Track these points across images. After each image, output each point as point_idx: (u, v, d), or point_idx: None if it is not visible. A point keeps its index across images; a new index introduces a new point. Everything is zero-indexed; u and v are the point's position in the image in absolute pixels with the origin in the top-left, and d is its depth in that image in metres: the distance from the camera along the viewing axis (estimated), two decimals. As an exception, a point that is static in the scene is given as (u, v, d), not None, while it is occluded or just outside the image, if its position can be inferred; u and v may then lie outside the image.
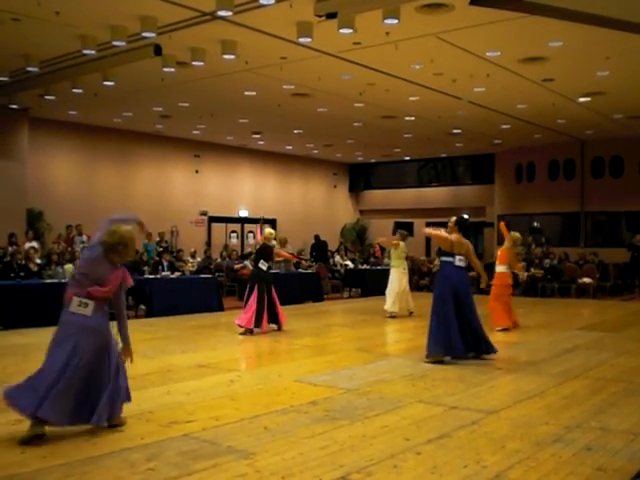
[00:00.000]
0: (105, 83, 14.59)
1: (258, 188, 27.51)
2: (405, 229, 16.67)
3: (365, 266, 22.70)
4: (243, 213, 26.69)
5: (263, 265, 11.69)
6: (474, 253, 9.33)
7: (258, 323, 11.36)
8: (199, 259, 20.45)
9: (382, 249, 22.49)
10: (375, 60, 13.78)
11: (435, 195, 29.84)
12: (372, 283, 19.56)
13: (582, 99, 17.20)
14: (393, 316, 14.10)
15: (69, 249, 17.47)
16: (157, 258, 17.40)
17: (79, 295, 5.29)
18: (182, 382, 7.52)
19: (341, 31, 10.90)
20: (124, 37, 11.73)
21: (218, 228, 25.84)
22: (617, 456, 4.93)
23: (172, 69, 13.64)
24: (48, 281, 13.16)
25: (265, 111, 18.88)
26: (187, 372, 8.13)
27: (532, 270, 20.58)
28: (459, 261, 8.94)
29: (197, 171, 25.09)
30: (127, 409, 6.20)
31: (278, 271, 18.41)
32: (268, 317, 11.55)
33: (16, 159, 18.91)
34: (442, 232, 9.11)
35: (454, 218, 9.25)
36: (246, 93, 16.71)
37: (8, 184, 18.31)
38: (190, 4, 10.62)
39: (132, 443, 5.17)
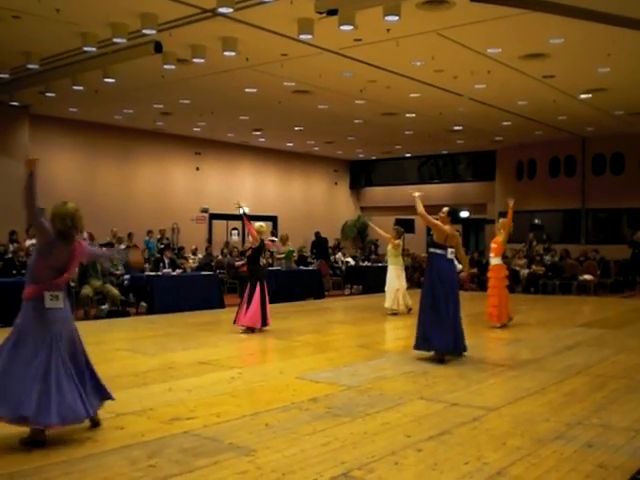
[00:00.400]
0: (106, 80, 14.59)
1: (259, 185, 27.49)
2: (406, 226, 16.67)
3: (366, 263, 22.71)
4: (246, 210, 26.63)
5: (262, 261, 11.68)
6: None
7: (265, 321, 11.32)
8: (200, 256, 20.46)
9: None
10: (376, 57, 13.77)
11: (436, 192, 29.72)
12: (373, 280, 19.55)
13: (583, 96, 17.18)
14: (394, 313, 14.09)
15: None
16: (158, 255, 17.40)
17: (49, 289, 5.16)
18: (183, 379, 7.52)
19: (342, 28, 10.88)
20: (124, 34, 11.72)
21: (219, 225, 25.84)
22: (618, 453, 4.93)
23: (173, 66, 13.63)
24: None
25: (266, 108, 18.87)
26: (188, 369, 8.14)
27: (533, 267, 20.59)
28: (450, 254, 8.85)
29: (198, 168, 25.07)
30: (129, 405, 6.21)
31: (279, 268, 18.44)
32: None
33: (17, 156, 18.87)
34: (438, 222, 8.93)
35: (446, 209, 8.96)
36: (247, 90, 16.69)
37: (9, 181, 18.28)
38: (190, 1, 10.60)
39: (133, 440, 5.17)
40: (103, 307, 14.16)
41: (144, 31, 11.48)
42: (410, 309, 14.24)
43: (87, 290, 13.95)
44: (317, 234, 24.25)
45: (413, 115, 19.92)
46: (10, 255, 14.82)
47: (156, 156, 23.74)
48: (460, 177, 29.83)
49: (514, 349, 9.90)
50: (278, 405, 6.27)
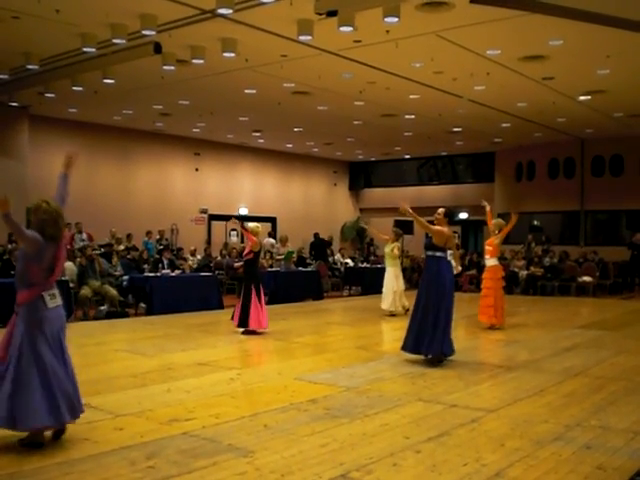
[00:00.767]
0: (105, 81, 14.59)
1: (258, 186, 27.50)
2: (404, 228, 16.66)
3: (365, 264, 22.71)
4: (243, 211, 26.67)
5: (262, 262, 11.69)
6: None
7: (247, 323, 11.27)
8: (199, 257, 20.45)
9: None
10: (375, 58, 13.77)
11: (435, 193, 29.79)
12: (372, 281, 19.52)
13: (582, 97, 17.19)
14: (392, 314, 14.09)
15: (69, 247, 17.46)
16: (157, 256, 17.39)
17: (46, 289, 5.13)
18: (182, 380, 7.52)
19: (341, 29, 10.89)
20: (124, 35, 11.72)
21: (218, 226, 25.84)
22: (617, 454, 4.93)
23: (172, 67, 13.64)
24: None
25: (265, 109, 18.87)
26: (187, 370, 8.14)
27: (532, 268, 20.60)
28: (449, 256, 8.85)
29: (197, 169, 25.07)
30: (128, 406, 6.21)
31: (278, 269, 18.44)
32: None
33: (16, 157, 18.91)
34: (438, 227, 8.86)
35: (442, 210, 8.87)
36: (246, 91, 16.70)
37: (8, 182, 18.25)
38: (190, 2, 10.60)
39: (132, 441, 5.17)
40: (102, 308, 14.15)
41: (143, 32, 11.49)
42: (407, 310, 14.21)
43: (86, 291, 13.94)
44: (316, 235, 24.25)
45: (412, 116, 19.93)
46: (7, 256, 14.78)
47: (155, 157, 23.74)
48: (459, 178, 29.84)
49: (513, 350, 9.90)
50: (277, 406, 6.27)
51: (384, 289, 14.41)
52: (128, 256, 16.97)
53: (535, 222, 25.89)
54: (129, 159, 22.96)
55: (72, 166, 5.59)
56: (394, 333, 12.30)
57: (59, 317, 5.21)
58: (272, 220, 27.84)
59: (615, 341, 10.85)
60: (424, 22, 11.35)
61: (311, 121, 20.84)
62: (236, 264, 18.50)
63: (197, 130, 22.94)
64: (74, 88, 15.18)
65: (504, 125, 21.10)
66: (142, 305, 14.90)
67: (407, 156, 29.55)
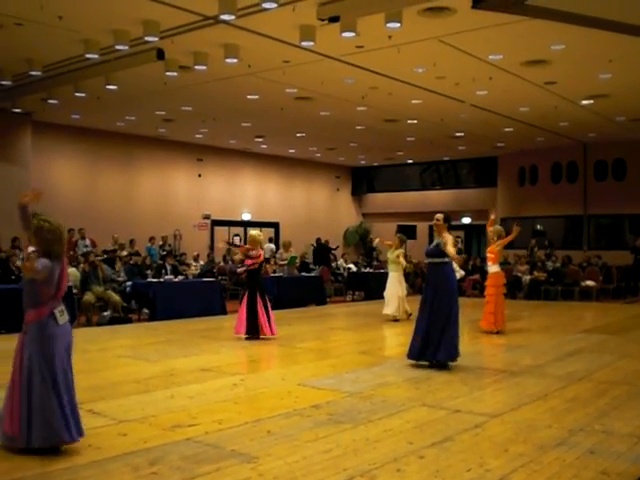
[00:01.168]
0: (108, 87, 14.63)
1: (261, 192, 27.53)
2: (407, 232, 16.68)
3: (368, 269, 22.69)
4: (246, 217, 26.70)
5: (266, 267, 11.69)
6: None
7: (256, 330, 11.28)
8: (202, 263, 20.45)
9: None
10: (377, 64, 13.79)
11: (438, 198, 29.81)
12: (375, 286, 19.52)
13: (585, 102, 17.20)
14: (396, 319, 14.07)
15: (72, 253, 17.48)
16: (160, 262, 17.40)
17: (54, 306, 5.09)
18: (185, 386, 7.51)
19: (344, 35, 10.91)
20: (127, 41, 11.75)
21: (221, 232, 25.86)
22: (620, 459, 4.92)
23: (175, 73, 13.66)
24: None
25: (268, 115, 18.90)
26: (190, 376, 8.13)
27: (535, 273, 20.58)
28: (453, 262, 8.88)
29: (200, 175, 25.11)
30: (131, 412, 6.22)
31: (281, 274, 18.44)
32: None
33: (19, 163, 18.94)
34: (448, 238, 8.71)
35: (440, 215, 8.82)
36: (249, 97, 16.72)
37: (11, 188, 18.28)
38: (193, 8, 10.64)
39: (135, 447, 5.16)
40: (105, 314, 14.16)
41: (146, 38, 11.51)
42: (410, 314, 14.18)
43: (89, 297, 13.96)
44: (318, 240, 24.26)
45: (415, 121, 19.95)
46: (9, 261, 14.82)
47: (158, 163, 23.78)
48: (462, 183, 29.83)
49: (516, 355, 9.88)
50: (280, 412, 6.27)
51: (386, 294, 14.38)
52: (130, 261, 16.98)
53: (538, 227, 25.87)
54: (132, 165, 23.00)
55: (35, 201, 5.37)
56: (397, 338, 12.30)
57: (68, 333, 5.19)
58: (275, 225, 27.87)
59: (618, 345, 10.83)
60: (426, 27, 11.37)
61: (314, 126, 20.87)
62: (239, 269, 18.53)
63: (200, 136, 22.97)
64: (77, 94, 15.23)
65: (507, 130, 21.11)
66: (145, 311, 14.90)
67: (410, 161, 29.56)
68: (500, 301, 11.91)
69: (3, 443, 5.02)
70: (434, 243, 8.74)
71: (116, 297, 14.35)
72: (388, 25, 10.52)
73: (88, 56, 12.60)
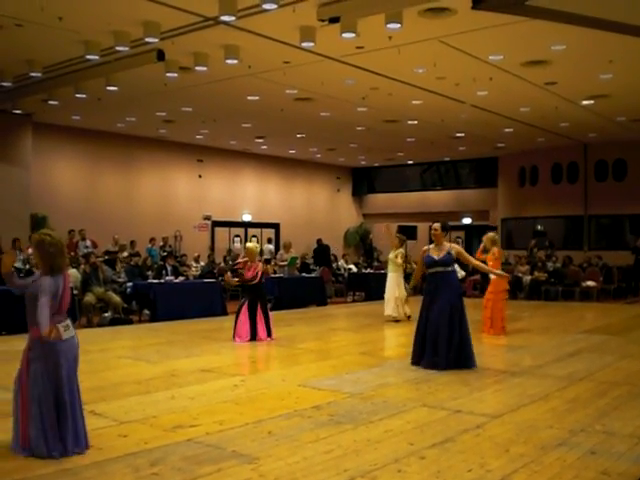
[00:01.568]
0: (108, 88, 14.64)
1: (261, 192, 27.54)
2: (408, 233, 16.67)
3: (369, 270, 22.70)
4: (246, 217, 26.71)
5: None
6: None
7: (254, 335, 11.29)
8: (203, 264, 20.46)
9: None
10: (378, 64, 13.80)
11: (438, 199, 29.84)
12: (375, 287, 19.51)
13: (585, 102, 17.20)
14: (396, 320, 14.06)
15: (72, 254, 17.49)
16: (161, 263, 17.40)
17: (58, 321, 5.03)
18: (186, 387, 7.52)
19: (344, 35, 10.91)
20: (127, 42, 11.76)
21: (221, 232, 25.87)
22: (621, 460, 4.91)
23: (175, 74, 13.67)
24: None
25: (268, 115, 18.90)
26: (191, 377, 8.13)
27: (536, 273, 20.57)
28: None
29: (200, 176, 25.11)
30: (132, 413, 6.22)
31: (282, 275, 18.44)
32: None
33: (20, 164, 18.95)
34: (463, 252, 8.90)
35: (438, 225, 8.80)
36: (249, 98, 16.73)
37: (12, 189, 18.35)
38: (193, 9, 10.64)
39: (136, 448, 5.17)
40: (106, 315, 14.16)
41: (147, 39, 11.52)
42: (410, 317, 14.14)
43: (90, 298, 13.96)
44: (319, 241, 24.26)
45: (415, 122, 19.95)
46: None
47: (159, 164, 23.79)
48: (462, 184, 29.86)
49: (517, 356, 9.89)
50: (281, 413, 6.27)
51: (386, 295, 14.39)
52: (130, 262, 16.99)
53: (539, 227, 25.86)
54: (132, 166, 23.01)
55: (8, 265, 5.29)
56: (398, 339, 12.30)
57: (74, 346, 5.16)
58: (275, 226, 27.87)
59: (619, 346, 10.83)
60: (426, 28, 11.37)
61: (314, 127, 20.87)
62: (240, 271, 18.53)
63: (200, 137, 22.98)
64: (77, 95, 15.24)
65: (507, 130, 21.11)
66: (146, 312, 14.91)
67: (410, 162, 29.57)
68: (498, 307, 11.83)
69: (16, 452, 5.01)
70: (445, 252, 8.67)
71: (117, 298, 14.35)
72: (388, 26, 10.52)
73: (88, 57, 12.60)
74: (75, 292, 13.55)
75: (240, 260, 11.93)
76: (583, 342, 11.11)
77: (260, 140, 23.63)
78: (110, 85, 14.41)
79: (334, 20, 10.32)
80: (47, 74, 14.14)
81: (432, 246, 8.82)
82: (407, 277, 15.72)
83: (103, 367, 8.83)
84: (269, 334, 11.29)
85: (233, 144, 24.63)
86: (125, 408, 6.45)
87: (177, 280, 15.65)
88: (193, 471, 4.64)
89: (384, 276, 14.78)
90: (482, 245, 12.25)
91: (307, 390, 7.34)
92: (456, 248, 8.86)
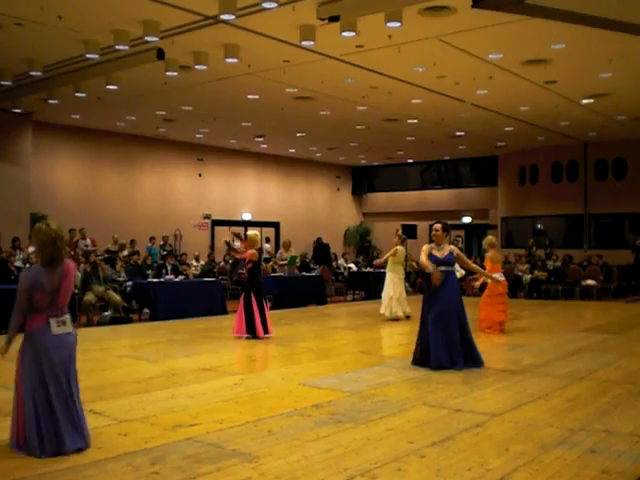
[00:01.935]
0: (108, 87, 14.63)
1: (261, 191, 27.54)
2: (408, 232, 16.66)
3: (368, 269, 22.68)
4: (246, 216, 26.71)
5: (263, 265, 11.63)
6: None
7: (254, 331, 11.25)
8: (203, 262, 20.46)
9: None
10: (378, 63, 13.79)
11: (438, 198, 29.84)
12: (375, 286, 19.50)
13: (585, 101, 17.19)
14: (396, 319, 14.06)
15: (72, 253, 17.49)
16: (161, 262, 17.40)
17: (53, 315, 5.01)
18: (186, 386, 7.52)
19: (344, 34, 10.91)
20: (127, 41, 11.75)
21: (221, 231, 25.86)
22: (621, 458, 4.91)
23: (175, 73, 13.66)
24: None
25: (268, 114, 18.90)
26: (191, 376, 8.13)
27: (536, 272, 20.58)
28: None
29: (200, 174, 25.12)
30: (132, 412, 6.21)
31: (282, 274, 18.44)
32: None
33: (19, 163, 18.95)
34: (462, 255, 8.92)
35: (439, 225, 8.80)
36: (249, 96, 16.73)
37: (12, 188, 18.35)
38: (193, 8, 10.64)
39: (136, 447, 5.16)
40: (106, 313, 14.16)
41: (146, 38, 11.51)
42: (409, 316, 14.11)
43: (90, 297, 13.96)
44: (319, 240, 24.25)
45: (415, 121, 19.95)
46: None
47: (158, 163, 23.79)
48: (462, 183, 29.87)
49: (517, 354, 9.88)
50: (281, 411, 6.27)
51: (382, 294, 14.40)
52: (130, 261, 16.98)
53: (538, 226, 25.88)
54: (132, 165, 23.01)
55: None
56: (398, 338, 12.30)
57: (66, 345, 5.07)
58: (275, 225, 27.87)
59: (619, 344, 10.83)
60: (426, 27, 11.36)
61: (314, 126, 20.87)
62: (240, 270, 18.55)
63: (200, 136, 22.98)
64: (77, 94, 15.23)
65: (507, 129, 21.11)
66: (146, 311, 14.91)
67: (410, 160, 29.56)
68: (492, 311, 11.84)
69: (13, 450, 5.02)
70: (448, 252, 8.68)
71: (117, 297, 14.36)
72: (388, 24, 10.51)
73: (88, 56, 12.60)
74: (75, 291, 13.55)
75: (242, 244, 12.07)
76: (583, 341, 11.11)
77: (260, 139, 23.62)
78: (110, 84, 14.40)
79: (334, 19, 10.31)
80: (47, 73, 14.14)
81: (433, 245, 8.82)
82: (407, 276, 15.75)
83: (103, 366, 8.83)
84: (266, 331, 11.25)
85: (233, 143, 24.63)
86: (125, 407, 6.45)
87: (177, 279, 15.65)
88: (193, 470, 4.64)
89: (384, 275, 14.77)
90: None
91: (307, 389, 7.34)
92: (456, 250, 8.88)
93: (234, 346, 10.80)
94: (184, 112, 18.70)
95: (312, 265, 21.69)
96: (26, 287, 4.96)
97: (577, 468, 4.71)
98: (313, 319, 15.00)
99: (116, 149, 22.36)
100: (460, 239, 27.94)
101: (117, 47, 11.99)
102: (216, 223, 25.60)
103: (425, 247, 8.87)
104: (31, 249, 16.25)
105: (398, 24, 10.47)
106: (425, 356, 8.56)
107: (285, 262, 19.11)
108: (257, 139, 23.62)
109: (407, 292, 15.02)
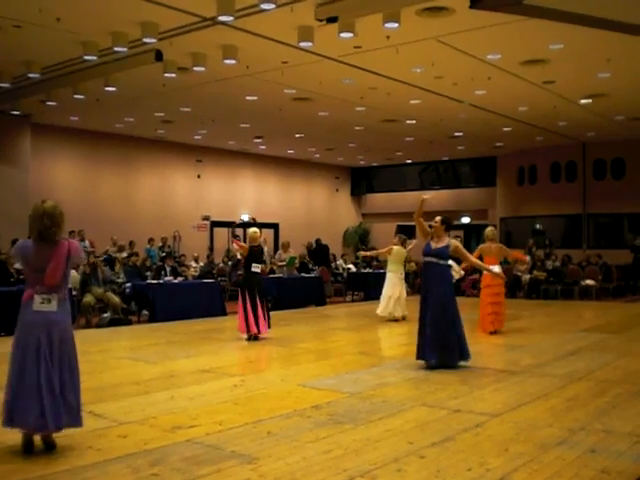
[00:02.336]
0: (106, 89, 14.64)
1: (260, 192, 27.53)
2: (406, 233, 16.66)
3: (368, 270, 22.67)
4: (245, 217, 26.67)
5: (256, 268, 11.52)
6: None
7: (249, 328, 11.19)
8: (202, 264, 20.45)
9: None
10: (376, 64, 13.80)
11: (437, 198, 29.73)
12: (375, 287, 19.48)
13: (583, 101, 17.20)
14: (395, 320, 14.05)
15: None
16: (160, 263, 17.40)
17: (39, 292, 5.06)
18: (185, 387, 7.51)
19: (342, 35, 10.92)
20: (125, 43, 11.76)
21: (220, 233, 25.84)
22: (621, 458, 4.92)
23: (173, 74, 13.67)
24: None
25: (266, 116, 18.90)
26: (190, 377, 8.13)
27: (535, 272, 20.57)
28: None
29: (199, 176, 25.12)
30: (131, 414, 6.21)
31: (281, 275, 18.43)
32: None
33: (18, 165, 18.95)
34: (460, 248, 8.88)
35: (439, 218, 8.82)
36: (247, 98, 16.73)
37: (11, 190, 18.34)
38: (191, 9, 10.64)
39: (136, 448, 5.16)
40: (105, 315, 14.15)
41: (145, 40, 11.52)
42: (404, 317, 14.09)
43: (89, 298, 13.96)
44: (318, 241, 24.23)
45: (414, 122, 19.95)
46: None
47: (157, 164, 23.79)
48: (461, 183, 29.87)
49: (516, 355, 9.88)
50: (280, 413, 6.26)
51: (382, 294, 14.38)
52: (129, 263, 16.97)
53: (537, 226, 25.88)
54: (131, 167, 23.01)
55: None
56: (397, 338, 12.30)
57: (49, 323, 5.06)
58: (274, 226, 27.85)
59: (619, 344, 10.83)
60: (424, 27, 11.37)
61: (312, 127, 20.87)
62: (239, 271, 18.53)
63: (199, 137, 22.98)
64: (76, 96, 15.24)
65: (505, 129, 21.12)
66: (145, 312, 14.90)
67: (409, 161, 29.57)
68: (484, 303, 11.94)
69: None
70: (443, 244, 8.68)
71: (116, 299, 14.35)
72: (386, 25, 10.52)
73: (86, 58, 12.60)
74: (74, 293, 13.54)
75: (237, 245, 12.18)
76: (582, 341, 11.12)
77: (259, 140, 23.62)
78: (108, 86, 14.41)
79: (332, 20, 10.32)
80: (45, 75, 14.14)
81: (434, 237, 8.84)
82: (406, 277, 15.74)
83: (102, 368, 8.83)
84: (258, 329, 11.16)
85: (232, 144, 24.64)
86: (124, 409, 6.45)
87: (176, 280, 15.65)
88: (192, 471, 4.64)
89: (383, 276, 14.76)
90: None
91: (306, 390, 7.34)
92: (454, 243, 8.83)
93: (233, 347, 10.80)
94: (183, 113, 18.70)
95: (311, 266, 21.69)
96: (14, 255, 5.26)
97: (576, 468, 4.71)
98: (312, 320, 15.00)
99: (115, 150, 22.36)
100: (459, 239, 27.91)
101: (115, 49, 11.99)
102: (215, 224, 25.57)
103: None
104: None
105: (396, 25, 10.48)
106: (426, 351, 8.60)
107: (284, 263, 19.11)
108: (256, 140, 23.62)
109: (406, 293, 14.99)
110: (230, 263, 19.92)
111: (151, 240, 20.58)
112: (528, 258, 11.23)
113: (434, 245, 8.72)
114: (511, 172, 26.65)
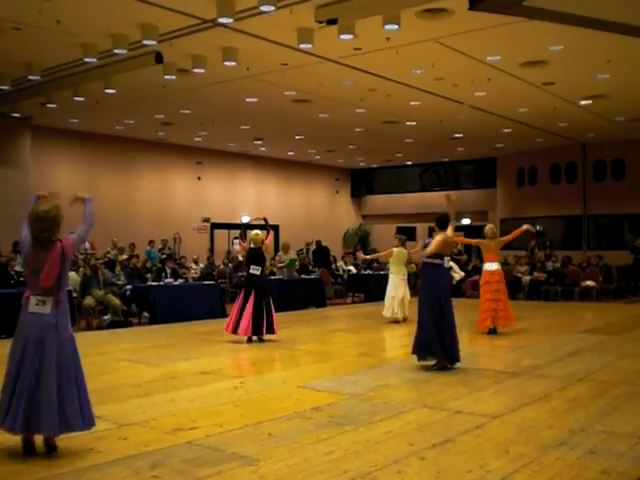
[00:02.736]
0: (106, 91, 14.64)
1: (260, 194, 27.53)
2: (406, 234, 16.66)
3: (368, 271, 22.68)
4: (245, 219, 26.67)
5: (256, 270, 11.50)
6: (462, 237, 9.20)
7: (257, 331, 11.18)
8: (202, 266, 20.45)
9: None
10: (376, 65, 13.81)
11: (437, 200, 29.68)
12: (375, 288, 19.51)
13: (583, 102, 17.21)
14: (396, 321, 14.05)
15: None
16: (160, 265, 17.39)
17: (35, 294, 5.10)
18: (186, 389, 7.52)
19: (342, 37, 10.93)
20: (125, 45, 11.77)
21: (220, 234, 25.86)
22: (621, 459, 4.92)
23: (173, 76, 13.68)
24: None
25: (266, 117, 18.91)
26: (191, 379, 8.13)
27: (535, 273, 20.57)
28: (447, 263, 8.89)
29: (199, 178, 25.13)
30: (132, 416, 6.21)
31: (281, 277, 18.42)
32: (266, 325, 11.32)
33: (18, 167, 18.95)
34: (437, 240, 8.70)
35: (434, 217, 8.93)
36: (247, 100, 16.74)
37: (11, 192, 18.33)
38: (191, 11, 10.65)
39: (136, 450, 5.17)
40: (105, 317, 14.14)
41: (145, 42, 11.52)
42: (405, 319, 14.09)
43: (89, 300, 13.95)
44: (318, 243, 24.23)
45: (414, 123, 19.96)
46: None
47: (157, 166, 23.79)
48: (461, 184, 29.86)
49: (516, 356, 9.89)
50: (281, 414, 6.27)
51: (385, 295, 14.38)
52: (129, 265, 16.97)
53: (538, 227, 25.81)
54: (131, 168, 23.01)
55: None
56: (398, 340, 12.29)
57: (40, 325, 5.05)
58: (274, 228, 27.84)
59: (619, 345, 10.83)
60: (424, 29, 11.38)
61: (312, 129, 20.88)
62: (239, 272, 18.52)
63: (199, 139, 22.98)
64: (76, 98, 15.25)
65: (505, 131, 21.13)
66: (145, 314, 14.89)
67: (409, 162, 29.58)
68: (480, 302, 11.99)
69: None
70: (426, 242, 8.95)
71: (116, 301, 14.35)
72: (386, 27, 10.52)
73: (87, 60, 12.60)
74: (74, 295, 13.55)
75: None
76: (583, 342, 11.12)
77: (259, 142, 23.63)
78: (108, 88, 14.42)
79: (332, 22, 10.33)
80: (45, 77, 14.15)
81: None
82: (408, 277, 15.72)
83: (102, 370, 8.82)
84: (254, 332, 11.11)
85: (232, 146, 24.64)
86: (125, 411, 6.45)
87: (176, 282, 15.64)
88: (193, 473, 4.64)
89: (383, 277, 14.76)
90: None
91: (307, 391, 7.34)
92: (435, 238, 8.72)
93: (234, 349, 10.79)
94: (183, 115, 18.71)
95: (311, 268, 21.68)
96: (22, 244, 5.40)
97: (577, 469, 4.71)
98: (313, 322, 15.00)
99: (115, 153, 22.37)
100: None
101: (115, 51, 12.00)
102: (215, 226, 25.59)
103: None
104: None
105: (396, 26, 10.48)
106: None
107: (284, 264, 19.10)
108: (256, 142, 23.63)
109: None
110: (230, 265, 19.90)
111: (151, 242, 20.58)
112: (525, 226, 11.25)
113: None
114: (511, 173, 26.66)
